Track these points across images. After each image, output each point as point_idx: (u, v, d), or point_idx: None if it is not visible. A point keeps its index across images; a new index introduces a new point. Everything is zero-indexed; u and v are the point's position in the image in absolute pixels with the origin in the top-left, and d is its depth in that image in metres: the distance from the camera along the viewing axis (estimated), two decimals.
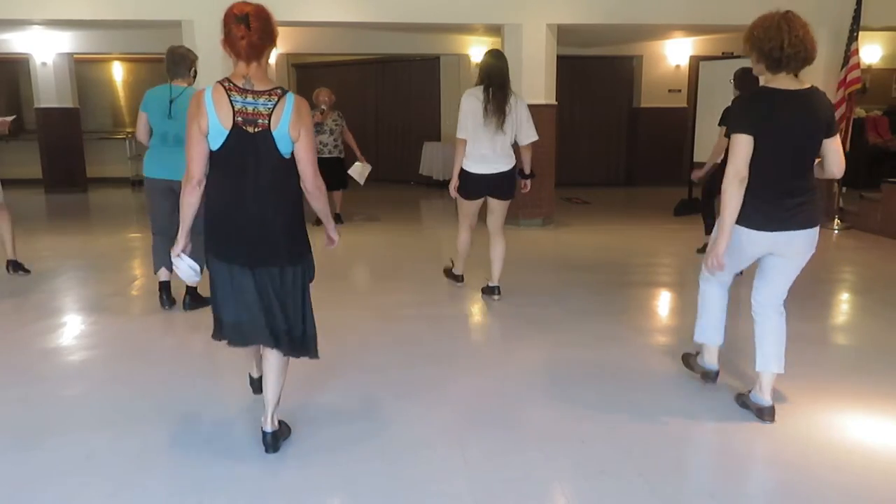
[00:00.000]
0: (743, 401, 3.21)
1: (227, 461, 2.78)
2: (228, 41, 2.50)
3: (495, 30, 8.63)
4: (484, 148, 4.68)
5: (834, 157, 2.94)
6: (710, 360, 3.43)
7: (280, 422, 2.90)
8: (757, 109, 2.89)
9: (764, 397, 3.10)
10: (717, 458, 2.82)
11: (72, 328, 4.52)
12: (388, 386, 3.51)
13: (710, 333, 3.38)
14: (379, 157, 12.52)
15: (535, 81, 7.83)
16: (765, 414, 3.07)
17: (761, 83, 3.00)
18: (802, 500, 2.51)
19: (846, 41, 7.62)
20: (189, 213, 2.67)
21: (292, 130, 2.55)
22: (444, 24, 8.33)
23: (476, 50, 11.09)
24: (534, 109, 7.75)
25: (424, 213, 9.89)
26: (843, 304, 5.34)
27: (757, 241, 2.96)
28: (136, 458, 2.79)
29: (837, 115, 7.63)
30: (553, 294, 5.26)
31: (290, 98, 2.56)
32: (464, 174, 4.77)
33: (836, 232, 7.72)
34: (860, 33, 7.59)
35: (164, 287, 4.85)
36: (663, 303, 5.37)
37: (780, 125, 2.85)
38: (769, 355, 3.10)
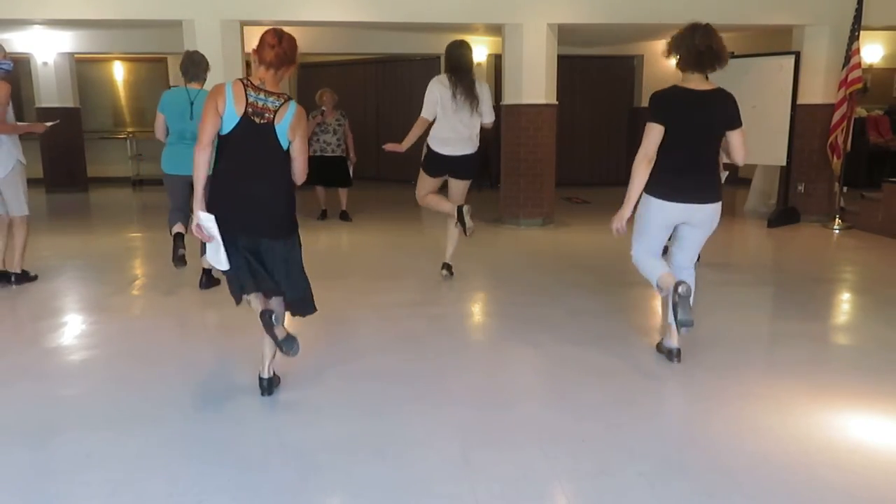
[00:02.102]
0: (659, 347, 3.82)
1: (228, 460, 2.79)
2: (259, 48, 3.04)
3: (495, 30, 8.62)
4: (455, 131, 5.00)
5: (736, 146, 3.48)
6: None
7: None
8: (668, 104, 3.45)
9: (673, 342, 3.69)
10: (718, 458, 2.82)
11: (73, 328, 4.52)
12: (387, 385, 3.51)
13: (661, 275, 3.57)
14: (379, 157, 12.52)
15: (535, 81, 7.84)
16: (674, 355, 3.68)
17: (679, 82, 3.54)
18: (803, 500, 2.51)
19: (847, 41, 7.61)
20: (202, 171, 3.06)
21: (290, 131, 3.06)
22: (444, 24, 8.32)
23: (476, 50, 11.07)
24: (534, 109, 7.87)
25: (424, 213, 9.87)
26: (844, 303, 5.33)
27: (668, 210, 3.49)
28: (136, 458, 2.79)
29: (839, 115, 7.64)
30: (553, 294, 5.26)
31: (294, 105, 3.09)
32: (431, 153, 5.11)
33: (836, 231, 7.71)
34: (861, 33, 7.57)
35: (178, 237, 5.12)
36: (663, 302, 5.35)
37: (685, 118, 3.41)
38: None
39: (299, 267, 3.22)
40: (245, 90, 3.00)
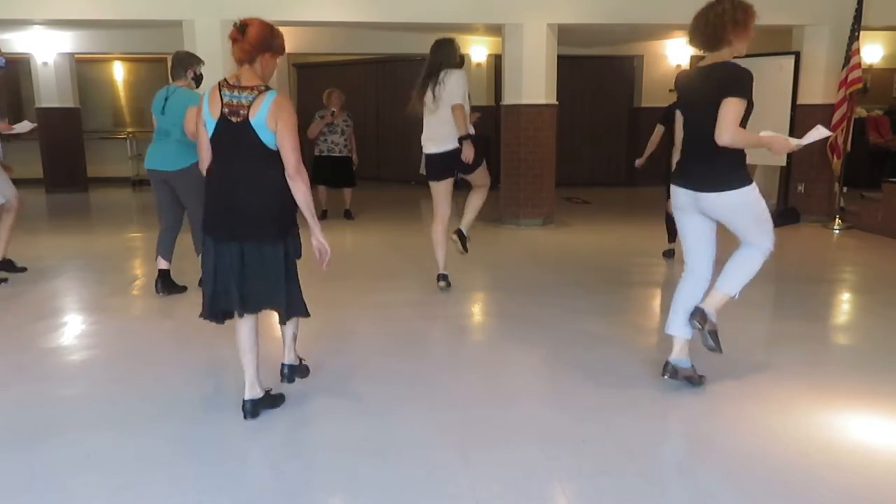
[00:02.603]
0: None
1: (228, 461, 2.79)
2: (231, 45, 2.88)
3: (495, 30, 8.62)
4: (430, 129, 4.96)
5: (719, 118, 3.00)
6: (675, 354, 3.42)
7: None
8: (676, 89, 3.41)
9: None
10: (718, 458, 2.82)
11: (72, 328, 4.52)
12: (388, 385, 3.51)
13: (671, 323, 3.42)
14: (379, 157, 12.57)
15: (535, 81, 7.84)
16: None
17: None
18: (803, 500, 2.51)
19: (847, 41, 7.61)
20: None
21: (269, 121, 2.83)
22: (444, 24, 8.32)
23: (476, 50, 11.10)
24: (534, 109, 7.87)
25: (424, 213, 9.88)
26: (844, 303, 5.33)
27: (676, 195, 3.32)
28: (136, 458, 2.79)
29: (839, 115, 7.64)
30: (553, 294, 5.26)
31: (271, 94, 2.85)
32: (424, 156, 5.10)
33: (836, 232, 7.71)
34: (861, 33, 7.58)
35: (161, 274, 5.11)
36: (663, 302, 5.36)
37: (683, 98, 3.34)
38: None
39: (284, 275, 3.01)
40: (220, 90, 2.88)
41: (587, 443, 2.91)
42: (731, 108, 2.97)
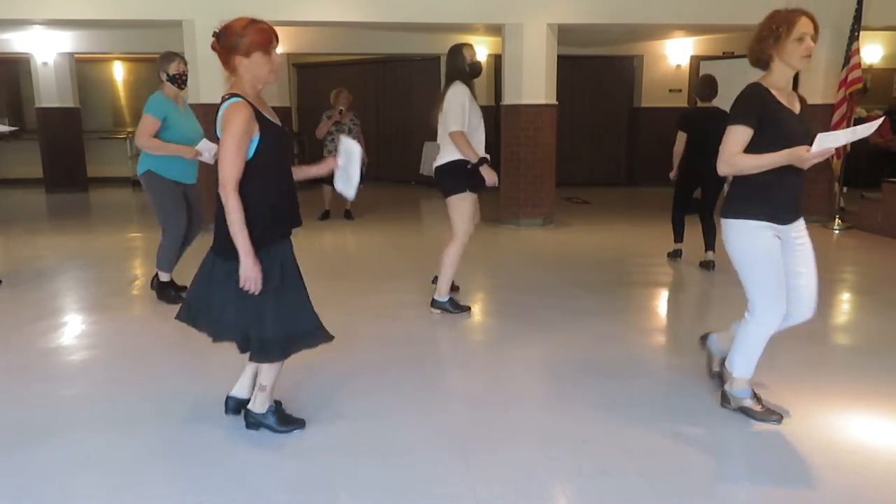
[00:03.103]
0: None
1: (228, 461, 2.79)
2: None
3: (495, 30, 8.62)
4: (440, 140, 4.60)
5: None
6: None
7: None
8: None
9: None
10: (717, 458, 2.82)
11: (72, 328, 4.52)
12: (387, 386, 3.51)
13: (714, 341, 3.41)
14: (379, 157, 12.54)
15: (535, 81, 7.84)
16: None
17: None
18: (803, 500, 2.51)
19: (847, 41, 7.61)
20: None
21: (219, 132, 2.63)
22: (444, 24, 8.32)
23: (476, 50, 11.09)
24: (534, 109, 7.88)
25: (424, 213, 9.89)
26: (844, 303, 5.33)
27: None
28: (136, 458, 2.79)
29: (838, 115, 7.64)
30: (553, 294, 5.26)
31: (225, 105, 2.62)
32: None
33: (836, 232, 7.72)
34: (861, 33, 7.58)
35: (164, 285, 5.03)
36: (663, 303, 5.36)
37: None
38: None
39: (231, 297, 2.71)
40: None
41: (587, 443, 2.91)
42: (728, 137, 2.88)
